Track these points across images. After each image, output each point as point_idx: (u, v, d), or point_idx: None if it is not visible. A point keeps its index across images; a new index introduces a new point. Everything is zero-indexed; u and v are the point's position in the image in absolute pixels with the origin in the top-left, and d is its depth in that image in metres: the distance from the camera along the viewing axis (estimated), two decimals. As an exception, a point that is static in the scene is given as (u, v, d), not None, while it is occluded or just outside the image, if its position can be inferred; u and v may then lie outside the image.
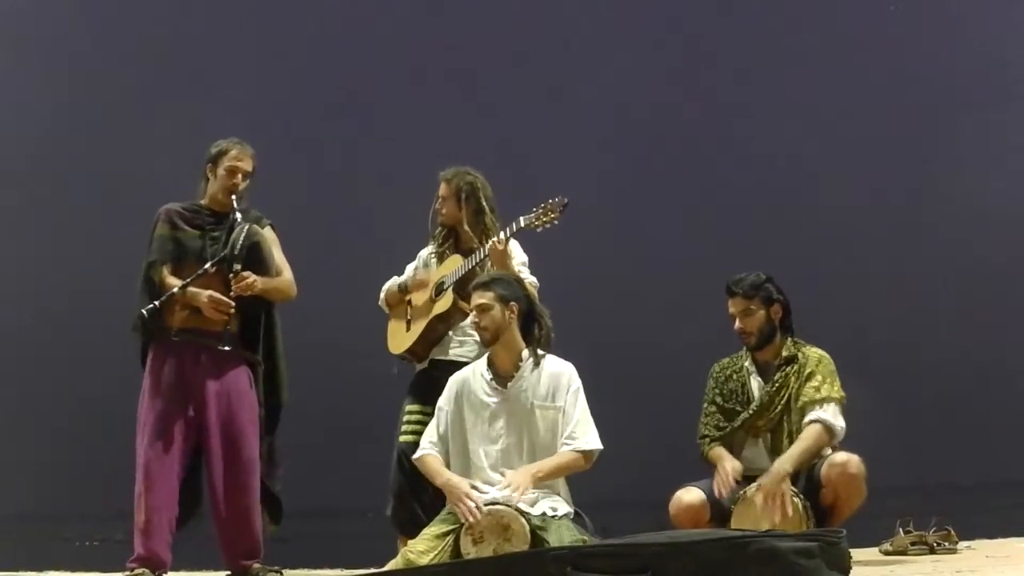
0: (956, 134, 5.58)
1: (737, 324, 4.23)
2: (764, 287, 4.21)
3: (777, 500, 3.89)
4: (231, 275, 4.24)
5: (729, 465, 4.07)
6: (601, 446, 3.92)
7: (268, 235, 4.43)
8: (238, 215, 4.32)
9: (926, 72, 5.71)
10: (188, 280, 4.22)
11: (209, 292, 4.23)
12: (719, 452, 4.17)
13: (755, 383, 4.25)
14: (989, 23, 5.84)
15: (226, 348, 4.30)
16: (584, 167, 5.62)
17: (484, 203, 4.53)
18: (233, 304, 4.25)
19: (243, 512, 4.29)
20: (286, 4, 6.23)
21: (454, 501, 3.82)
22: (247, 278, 4.25)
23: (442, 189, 4.57)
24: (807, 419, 4.08)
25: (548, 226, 4.23)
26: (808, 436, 4.05)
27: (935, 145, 5.63)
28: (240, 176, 4.38)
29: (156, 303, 4.17)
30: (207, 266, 4.24)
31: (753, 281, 4.21)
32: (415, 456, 4.08)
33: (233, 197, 4.36)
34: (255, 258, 4.31)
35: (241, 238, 4.25)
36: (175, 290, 4.19)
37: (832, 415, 4.08)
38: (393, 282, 4.69)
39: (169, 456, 4.21)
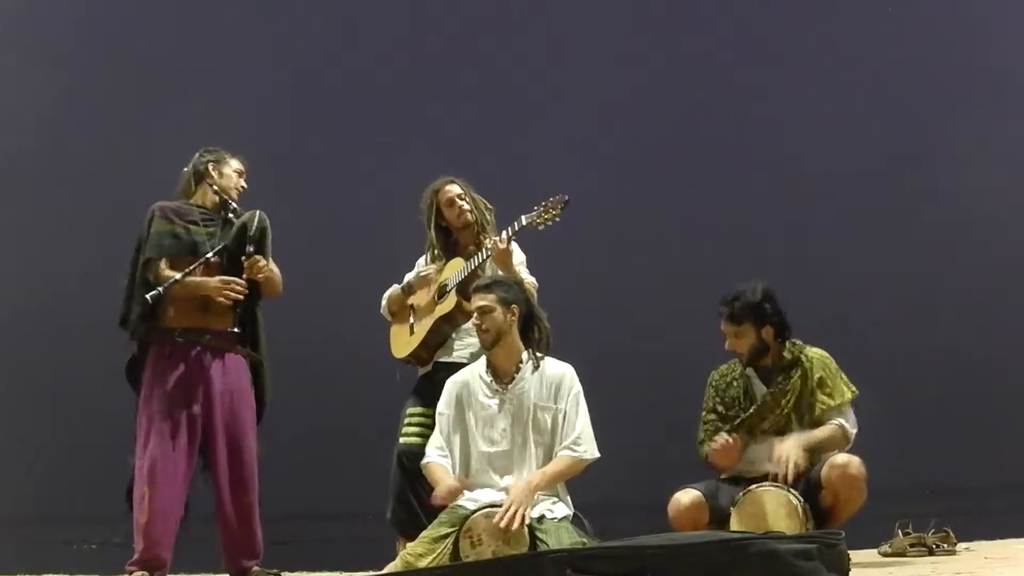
0: (956, 134, 5.57)
1: (728, 343, 4.23)
2: (756, 309, 4.16)
3: (785, 461, 3.91)
4: (244, 257, 4.26)
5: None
6: (599, 455, 3.95)
7: None
8: (236, 206, 4.39)
9: (925, 72, 5.71)
10: (190, 268, 4.22)
11: (219, 277, 4.26)
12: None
13: (757, 387, 4.24)
14: (989, 24, 5.83)
15: (235, 346, 4.33)
16: (584, 167, 5.61)
17: (485, 202, 4.61)
18: (245, 285, 4.28)
19: (245, 510, 4.30)
20: (284, 5, 6.22)
21: (438, 503, 3.85)
22: (259, 261, 4.28)
23: (462, 189, 4.58)
24: (829, 423, 4.11)
25: (550, 224, 4.26)
26: (828, 431, 4.08)
27: (935, 145, 5.62)
28: (243, 180, 4.50)
29: (160, 289, 4.16)
30: (209, 255, 4.26)
31: (745, 303, 4.15)
32: (422, 463, 4.08)
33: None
34: (264, 243, 4.34)
35: (255, 222, 4.29)
36: (177, 277, 4.20)
37: (850, 421, 4.12)
38: (394, 289, 4.68)
39: (175, 457, 4.20)
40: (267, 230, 4.35)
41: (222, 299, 4.25)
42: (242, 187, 4.48)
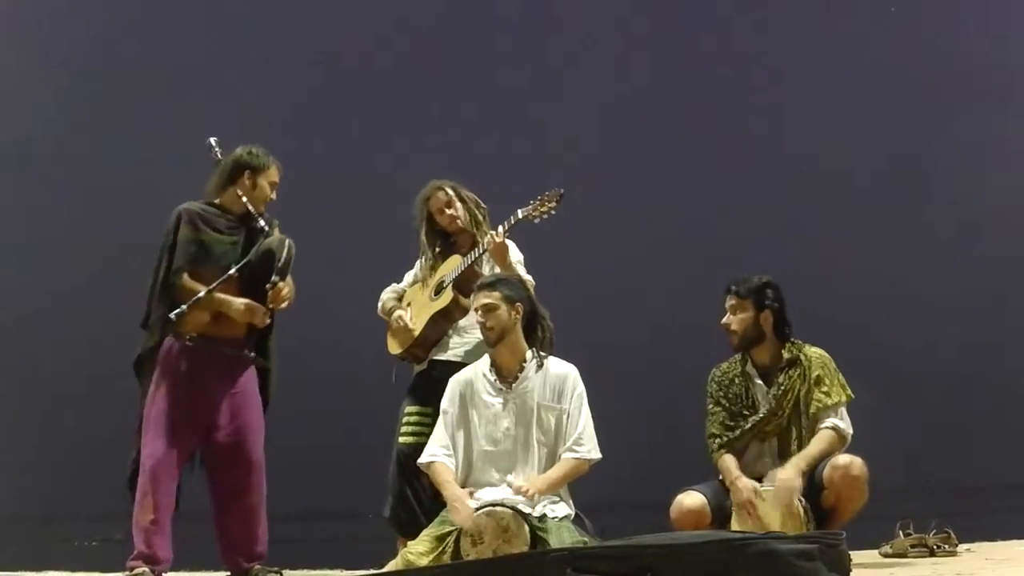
0: (957, 134, 5.57)
1: (724, 319, 4.24)
2: (761, 291, 4.21)
3: (792, 498, 3.89)
4: (269, 286, 4.25)
5: (748, 489, 4.03)
6: (600, 456, 3.96)
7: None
8: (263, 224, 4.35)
9: (926, 72, 5.71)
10: (214, 285, 4.21)
11: (246, 300, 4.26)
12: (729, 464, 4.11)
13: (759, 388, 4.23)
14: (989, 23, 5.84)
15: (252, 354, 4.36)
16: (584, 167, 5.61)
17: (478, 200, 4.62)
18: (268, 312, 4.29)
19: (247, 512, 4.30)
20: (285, 5, 6.22)
21: (452, 512, 3.84)
22: (283, 290, 4.28)
23: (451, 194, 4.58)
24: (822, 425, 4.09)
25: (545, 217, 4.28)
26: (823, 439, 4.05)
27: (935, 145, 5.62)
28: (275, 193, 4.47)
29: (184, 306, 4.15)
30: (232, 271, 4.25)
31: (752, 284, 4.22)
32: (422, 462, 4.07)
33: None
34: (287, 272, 4.33)
35: (284, 252, 4.27)
36: (201, 294, 4.18)
37: (845, 422, 4.11)
38: (391, 290, 4.69)
39: (173, 456, 4.21)
40: (292, 259, 4.32)
41: (242, 321, 4.26)
42: (271, 200, 4.43)
